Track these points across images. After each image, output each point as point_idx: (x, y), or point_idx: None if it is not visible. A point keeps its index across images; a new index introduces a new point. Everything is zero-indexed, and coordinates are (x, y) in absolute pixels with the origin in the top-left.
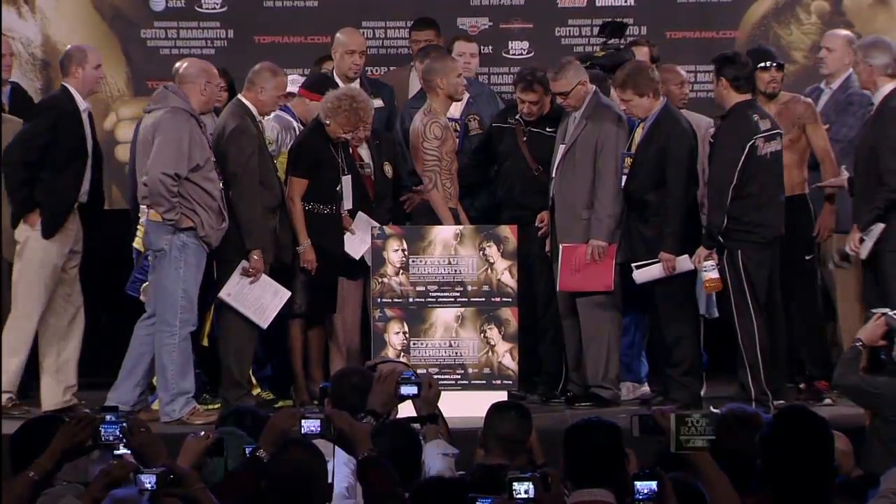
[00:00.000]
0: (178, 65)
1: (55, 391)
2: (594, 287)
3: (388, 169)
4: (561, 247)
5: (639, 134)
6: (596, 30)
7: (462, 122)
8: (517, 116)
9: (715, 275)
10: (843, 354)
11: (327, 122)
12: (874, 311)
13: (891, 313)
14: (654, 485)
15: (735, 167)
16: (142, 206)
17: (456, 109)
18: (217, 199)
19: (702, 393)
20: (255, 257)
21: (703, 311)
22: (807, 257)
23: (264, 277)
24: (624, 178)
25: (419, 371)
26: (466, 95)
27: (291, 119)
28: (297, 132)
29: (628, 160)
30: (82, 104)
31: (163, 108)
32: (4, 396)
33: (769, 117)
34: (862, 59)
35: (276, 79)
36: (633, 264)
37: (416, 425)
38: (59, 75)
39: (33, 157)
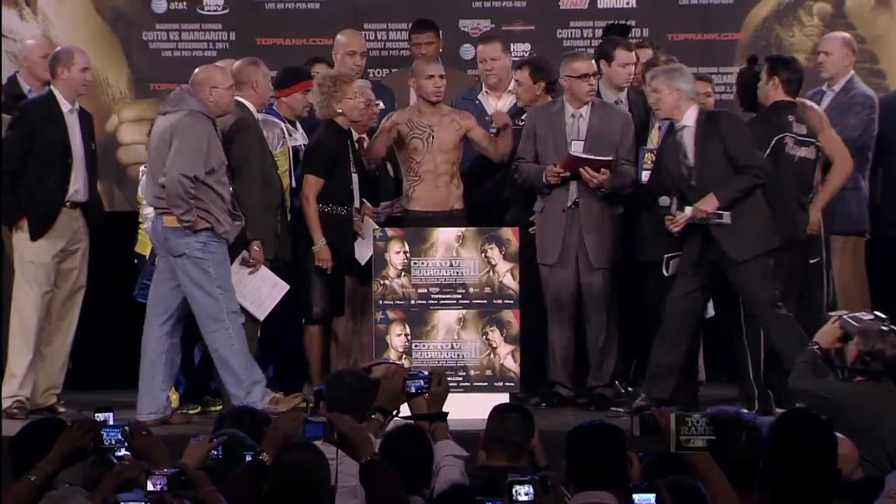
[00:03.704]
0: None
1: (36, 391)
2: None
3: (390, 168)
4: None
5: (656, 132)
6: (598, 31)
7: None
8: (523, 118)
9: None
10: (798, 358)
11: (339, 110)
12: (831, 314)
13: (846, 317)
14: (652, 498)
15: None
16: (144, 210)
17: (504, 107)
18: (227, 203)
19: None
20: (256, 248)
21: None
22: (811, 261)
23: (263, 269)
24: (645, 173)
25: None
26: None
27: (278, 121)
28: (284, 132)
29: (649, 156)
30: (66, 106)
31: (181, 111)
32: (9, 401)
33: (806, 124)
34: (666, 84)
35: (261, 68)
36: (665, 255)
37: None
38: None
39: (15, 166)
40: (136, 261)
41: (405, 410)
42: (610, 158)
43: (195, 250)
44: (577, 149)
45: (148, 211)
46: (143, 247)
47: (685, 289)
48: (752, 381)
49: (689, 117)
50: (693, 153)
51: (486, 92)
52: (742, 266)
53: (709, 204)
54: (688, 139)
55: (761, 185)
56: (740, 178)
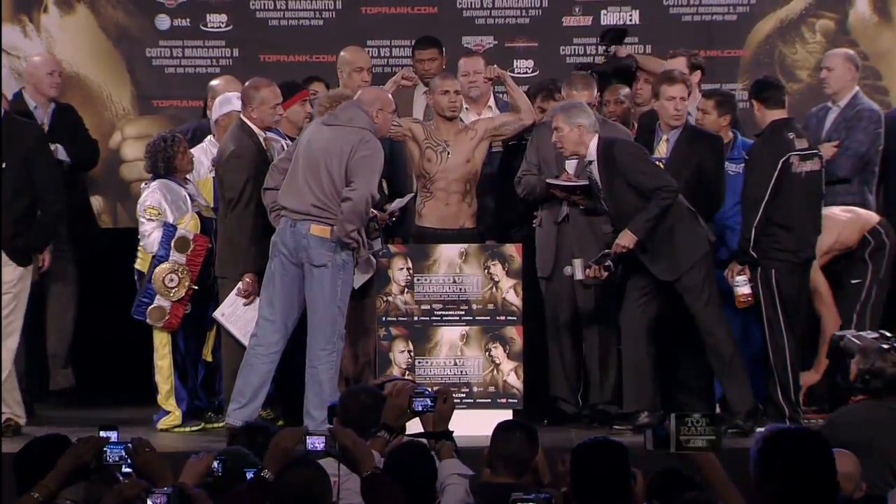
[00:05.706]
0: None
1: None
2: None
3: (384, 184)
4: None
5: (664, 145)
6: (601, 48)
7: None
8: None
9: (747, 290)
10: None
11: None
12: (836, 333)
13: (849, 335)
14: None
15: (768, 183)
16: (142, 227)
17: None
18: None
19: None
20: (248, 280)
21: None
22: (853, 281)
23: (258, 301)
24: None
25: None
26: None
27: (279, 137)
28: (285, 149)
29: (657, 165)
30: None
31: (354, 126)
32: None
33: (806, 137)
34: (566, 122)
35: (260, 92)
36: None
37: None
38: (64, 92)
39: None
40: (136, 278)
41: (415, 428)
42: (584, 183)
43: (337, 265)
44: (570, 166)
45: (146, 227)
46: (143, 264)
47: (635, 299)
48: (782, 400)
49: (592, 151)
50: (603, 187)
51: (466, 108)
52: (677, 283)
53: (626, 239)
54: (596, 173)
55: (669, 204)
56: (648, 205)
